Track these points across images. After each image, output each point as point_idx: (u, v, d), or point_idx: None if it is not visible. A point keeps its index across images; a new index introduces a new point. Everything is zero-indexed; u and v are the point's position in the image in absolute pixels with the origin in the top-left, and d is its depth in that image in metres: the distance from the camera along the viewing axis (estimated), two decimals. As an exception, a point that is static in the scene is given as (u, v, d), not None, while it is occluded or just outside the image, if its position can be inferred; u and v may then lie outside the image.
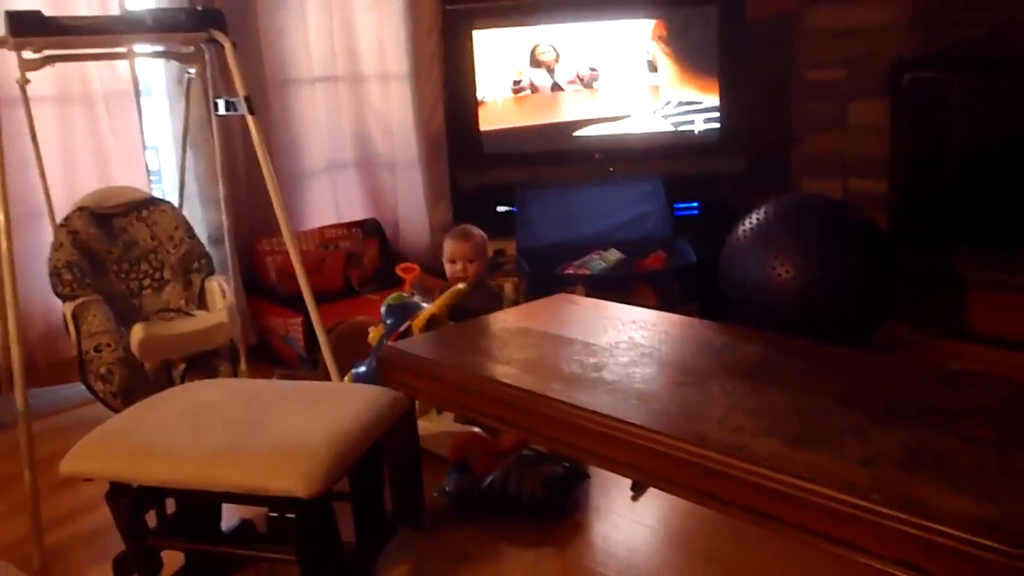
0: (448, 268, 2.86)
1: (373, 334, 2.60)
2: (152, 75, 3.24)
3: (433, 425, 2.45)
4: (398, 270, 3.11)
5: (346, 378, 2.60)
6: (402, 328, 2.48)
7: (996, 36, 3.23)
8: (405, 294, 2.69)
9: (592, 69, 3.83)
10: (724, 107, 3.87)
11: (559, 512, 2.14)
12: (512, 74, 3.82)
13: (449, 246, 2.88)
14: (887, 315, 3.17)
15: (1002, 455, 1.33)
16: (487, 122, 3.86)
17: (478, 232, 2.91)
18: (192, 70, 2.78)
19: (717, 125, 3.88)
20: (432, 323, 2.46)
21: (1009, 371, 2.64)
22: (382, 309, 2.60)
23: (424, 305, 2.54)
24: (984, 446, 1.36)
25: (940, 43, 3.39)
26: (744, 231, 3.16)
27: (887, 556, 1.20)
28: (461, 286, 2.61)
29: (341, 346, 2.80)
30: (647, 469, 1.50)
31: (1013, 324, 3.26)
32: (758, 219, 3.15)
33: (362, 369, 2.56)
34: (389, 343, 2.39)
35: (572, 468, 2.26)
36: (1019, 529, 1.11)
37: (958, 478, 1.26)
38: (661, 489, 1.51)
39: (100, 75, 3.04)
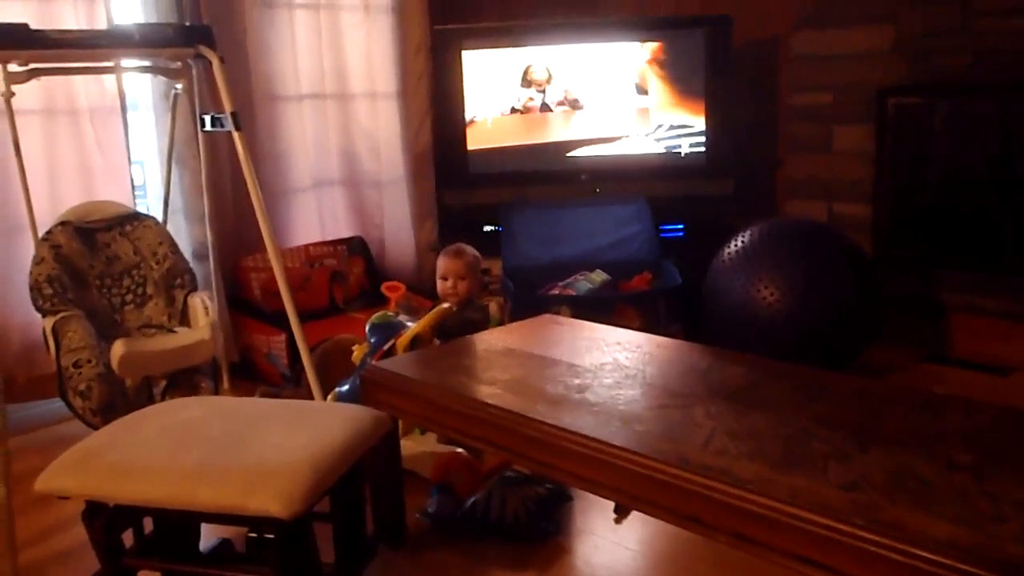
0: (439, 285, 2.85)
1: (357, 352, 2.58)
2: (139, 90, 3.23)
3: (416, 445, 2.43)
4: (383, 288, 3.10)
5: (329, 396, 2.58)
6: (386, 347, 2.47)
7: (981, 63, 3.27)
8: (390, 313, 2.68)
9: (570, 99, 3.85)
10: (710, 130, 3.89)
11: (541, 534, 2.13)
12: (512, 95, 3.84)
13: (442, 263, 2.88)
14: (870, 339, 3.18)
15: (983, 480, 1.33)
16: (474, 142, 3.88)
17: (471, 251, 2.90)
18: (179, 85, 2.78)
19: (703, 148, 3.90)
20: (417, 342, 2.45)
21: (990, 395, 2.65)
22: (367, 327, 2.59)
23: (409, 324, 2.53)
24: (966, 471, 1.36)
25: (926, 69, 3.43)
26: (729, 254, 3.17)
27: (869, 581, 1.19)
28: (446, 305, 2.60)
29: (325, 364, 2.79)
30: (630, 492, 1.49)
31: (994, 348, 3.28)
32: (743, 242, 3.17)
33: (345, 388, 2.55)
34: (373, 362, 2.38)
35: (555, 490, 2.25)
36: (998, 554, 1.11)
37: (940, 503, 1.26)
38: (644, 512, 1.50)
39: (86, 89, 3.04)
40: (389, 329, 2.54)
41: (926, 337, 3.48)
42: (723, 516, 1.35)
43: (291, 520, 1.55)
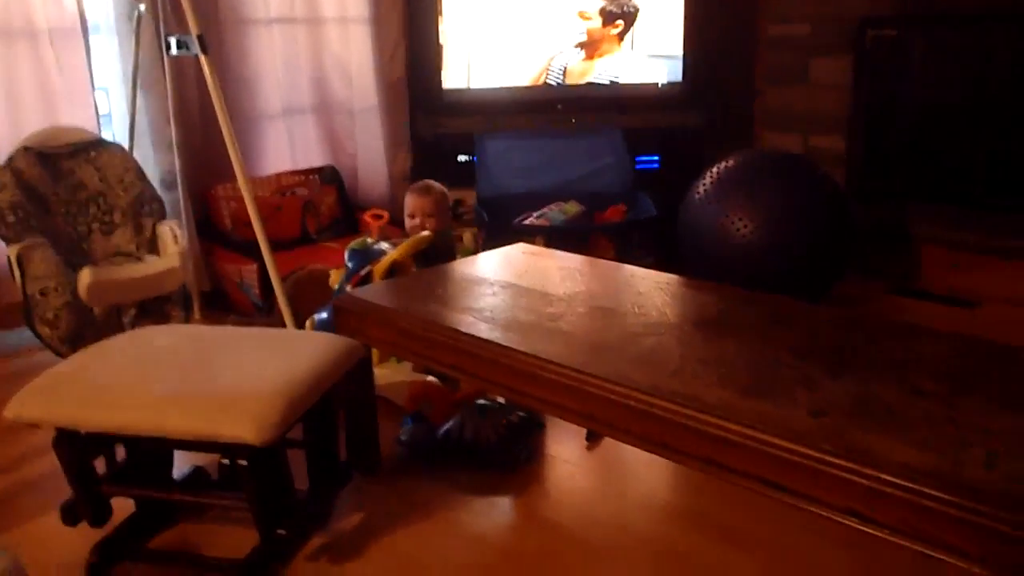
0: (407, 222, 2.83)
1: (334, 277, 2.58)
2: (100, 11, 3.12)
3: (391, 373, 2.44)
4: (367, 216, 3.07)
5: (307, 323, 2.57)
6: (363, 272, 2.46)
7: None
8: (370, 239, 2.66)
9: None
10: (688, 61, 3.85)
11: (514, 461, 2.15)
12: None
13: (409, 200, 2.85)
14: (842, 270, 3.21)
15: (949, 407, 1.35)
16: (448, 69, 3.81)
17: (438, 187, 2.87)
18: (142, 6, 2.69)
19: (680, 78, 3.86)
20: (395, 269, 2.44)
21: (959, 327, 2.69)
22: (345, 253, 2.58)
23: (388, 250, 2.52)
24: (932, 398, 1.39)
25: (906, 1, 3.39)
26: (704, 185, 3.16)
27: (834, 504, 1.21)
28: (426, 233, 2.59)
29: (298, 293, 2.77)
30: (601, 419, 1.50)
31: (964, 281, 3.32)
32: (717, 173, 3.15)
33: (324, 315, 2.54)
34: (349, 288, 2.37)
35: (528, 417, 2.27)
36: (963, 479, 1.13)
37: (906, 429, 1.28)
38: (615, 438, 1.52)
39: (44, 9, 2.92)
40: (367, 255, 2.53)
41: (897, 270, 3.52)
42: (692, 442, 1.37)
43: (263, 446, 1.55)
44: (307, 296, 2.75)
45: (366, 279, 2.45)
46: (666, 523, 1.92)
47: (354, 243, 2.60)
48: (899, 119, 3.50)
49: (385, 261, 2.45)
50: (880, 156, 3.58)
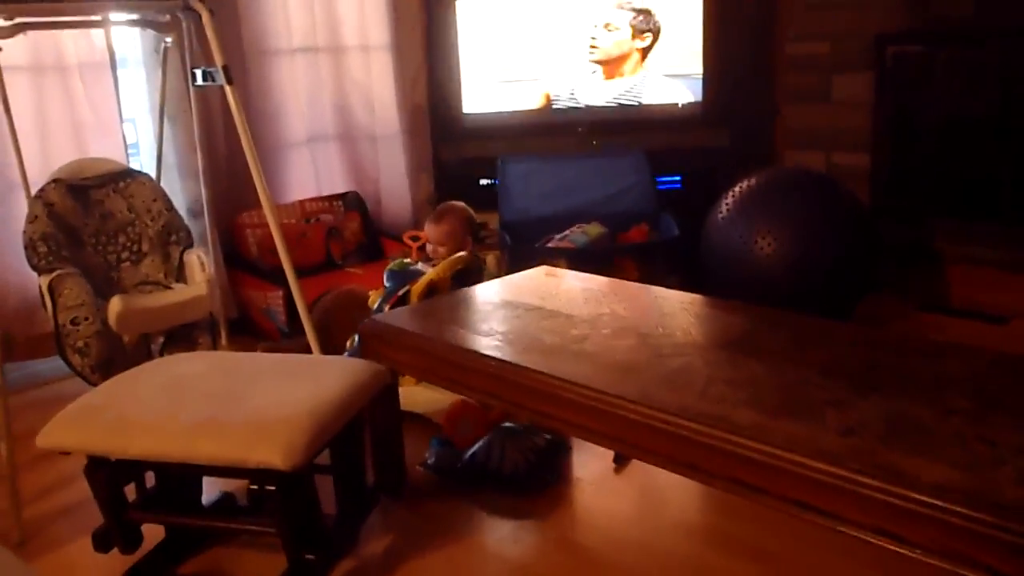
0: (428, 248, 2.86)
1: (372, 297, 2.61)
2: (128, 45, 3.19)
3: (422, 388, 2.44)
4: (405, 238, 3.11)
5: (348, 343, 2.59)
6: (400, 292, 2.48)
7: (981, 9, 3.23)
8: (408, 260, 2.69)
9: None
10: (708, 80, 3.85)
11: (541, 484, 2.14)
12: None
13: (426, 228, 2.88)
14: (868, 288, 3.18)
15: (980, 425, 1.34)
16: (470, 95, 3.84)
17: (455, 211, 2.87)
18: (169, 39, 2.73)
19: (701, 99, 3.86)
20: (432, 289, 2.45)
21: (988, 343, 2.66)
22: (384, 273, 2.61)
23: (425, 271, 2.54)
24: (962, 416, 1.37)
25: (924, 16, 3.38)
26: (727, 204, 3.16)
27: (866, 525, 1.20)
28: (463, 253, 2.61)
29: (331, 314, 2.80)
30: (629, 440, 1.50)
31: (992, 297, 3.28)
32: (740, 192, 3.15)
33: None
34: (388, 307, 2.40)
35: (554, 440, 2.27)
36: (995, 498, 1.12)
37: (936, 448, 1.27)
38: (643, 460, 1.52)
39: (75, 44, 2.99)
40: (405, 275, 2.56)
41: (924, 287, 3.49)
42: (721, 463, 1.36)
43: (292, 472, 1.56)
44: (340, 317, 2.77)
45: (404, 299, 2.47)
46: (695, 545, 1.90)
47: (393, 264, 2.63)
48: (922, 135, 3.48)
49: (423, 281, 2.47)
50: (904, 173, 3.56)
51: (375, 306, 2.58)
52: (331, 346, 2.63)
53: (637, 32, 3.85)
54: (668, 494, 2.11)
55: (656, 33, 3.85)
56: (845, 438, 1.30)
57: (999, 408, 1.40)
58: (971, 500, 1.12)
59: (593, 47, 3.90)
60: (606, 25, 3.86)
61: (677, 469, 1.44)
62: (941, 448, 1.26)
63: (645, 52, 3.88)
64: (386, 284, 2.59)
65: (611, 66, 3.90)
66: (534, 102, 3.90)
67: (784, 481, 1.28)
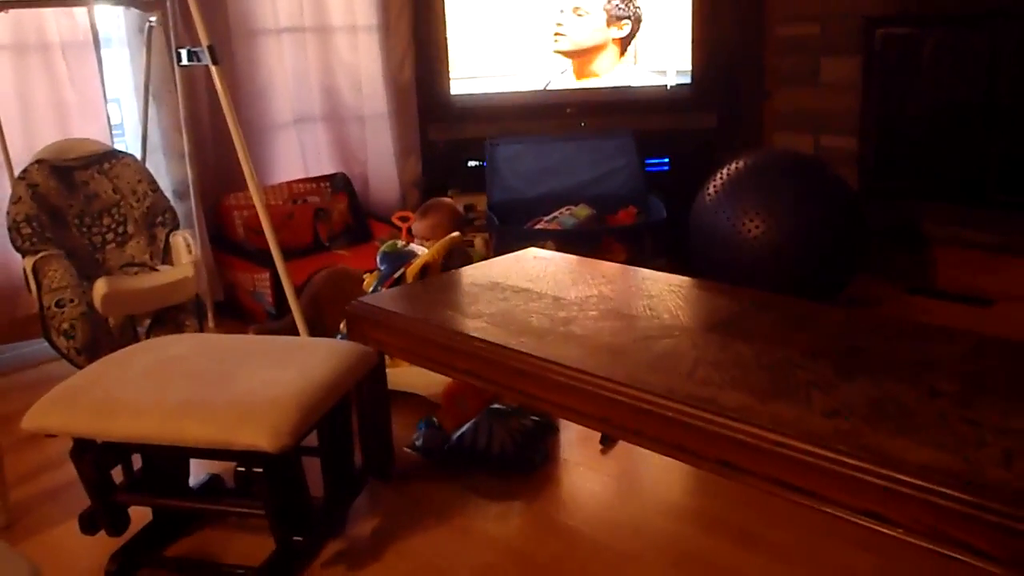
0: (415, 242, 2.88)
1: (368, 280, 2.60)
2: (112, 24, 3.15)
3: (418, 368, 2.43)
4: (394, 219, 3.09)
5: (342, 325, 2.59)
6: (396, 275, 2.48)
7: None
8: (400, 242, 2.68)
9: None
10: (696, 62, 3.84)
11: (528, 465, 2.15)
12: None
13: (413, 224, 2.90)
14: (855, 271, 3.20)
15: (964, 407, 1.35)
16: (457, 75, 3.82)
17: (441, 207, 2.90)
18: (153, 18, 2.71)
19: (689, 80, 3.86)
20: (426, 271, 2.45)
21: (974, 326, 2.68)
22: (377, 256, 2.61)
23: (419, 252, 2.54)
24: (947, 398, 1.38)
25: (913, -1, 3.38)
26: (715, 187, 3.16)
27: (851, 506, 1.21)
28: (456, 234, 2.61)
29: (322, 293, 2.79)
30: (616, 422, 1.51)
31: (977, 279, 3.30)
32: (728, 175, 3.15)
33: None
34: (383, 289, 2.39)
35: (541, 422, 2.27)
36: (980, 478, 1.13)
37: (921, 429, 1.27)
38: (630, 442, 1.52)
39: (58, 23, 2.95)
40: (399, 258, 2.55)
41: (910, 269, 3.50)
42: (708, 444, 1.37)
43: (279, 453, 1.56)
44: (332, 295, 2.76)
45: (399, 281, 2.47)
46: (682, 526, 1.91)
47: (385, 246, 2.62)
48: (911, 118, 3.49)
49: (417, 263, 2.47)
50: (892, 155, 3.56)
51: (371, 289, 2.57)
52: (322, 324, 2.63)
53: (613, 19, 3.63)
54: (655, 475, 2.12)
55: (637, 21, 3.62)
56: (831, 419, 1.31)
57: (984, 390, 1.41)
58: (955, 480, 1.12)
59: (559, 35, 3.72)
60: (575, 9, 3.64)
61: (664, 450, 1.44)
62: (926, 429, 1.27)
63: (624, 43, 3.78)
64: (380, 267, 2.58)
65: (583, 59, 3.83)
66: (522, 83, 3.88)
67: (770, 462, 1.29)
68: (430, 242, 2.78)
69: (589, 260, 2.31)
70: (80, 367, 2.15)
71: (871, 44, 3.51)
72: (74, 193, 2.55)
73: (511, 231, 3.35)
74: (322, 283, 2.88)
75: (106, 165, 2.63)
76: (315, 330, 2.58)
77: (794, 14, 3.77)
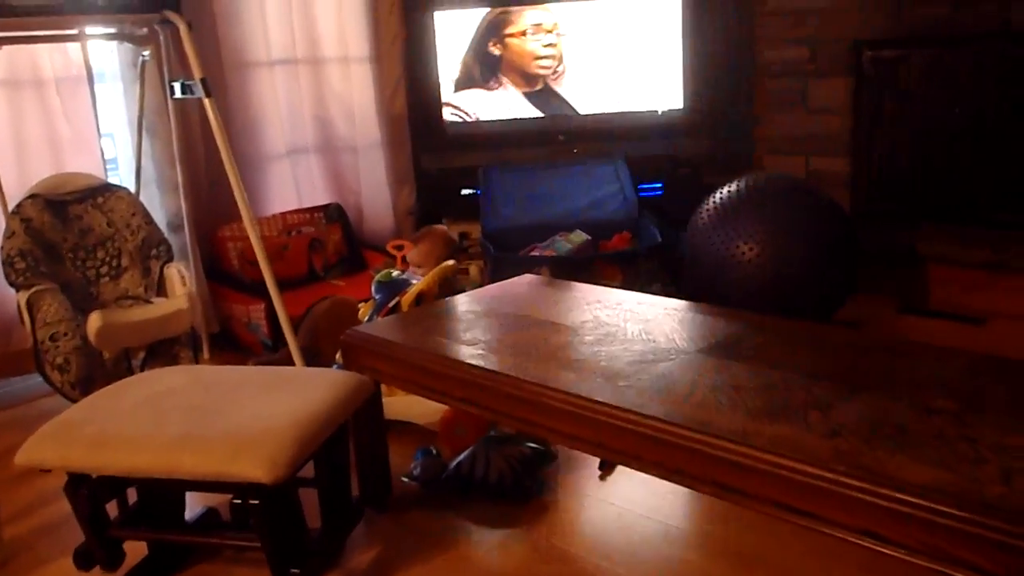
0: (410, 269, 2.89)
1: (363, 310, 2.60)
2: (105, 59, 3.17)
3: (415, 397, 2.42)
4: (389, 247, 3.09)
5: (338, 355, 2.58)
6: (391, 304, 2.48)
7: (959, 12, 3.26)
8: (395, 271, 2.68)
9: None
10: (687, 88, 3.87)
11: (527, 493, 2.14)
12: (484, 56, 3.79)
13: (408, 253, 2.92)
14: (849, 292, 3.20)
15: (962, 425, 1.34)
16: (450, 105, 3.84)
17: (431, 235, 2.92)
18: (146, 52, 2.73)
19: (680, 106, 3.88)
20: (421, 299, 2.45)
21: (968, 345, 2.68)
22: (372, 285, 2.60)
23: (414, 281, 2.54)
24: (945, 416, 1.38)
25: (902, 20, 3.41)
26: (707, 211, 3.17)
27: (851, 526, 1.21)
28: (451, 262, 2.61)
29: (322, 324, 2.78)
30: (614, 447, 1.50)
31: (970, 298, 3.31)
32: (721, 199, 3.16)
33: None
34: (379, 319, 2.39)
35: (539, 449, 2.26)
36: (978, 496, 1.12)
37: (920, 448, 1.27)
38: (628, 467, 1.51)
39: (51, 59, 2.97)
40: (394, 286, 2.54)
41: (903, 289, 3.51)
42: (706, 467, 1.36)
43: (275, 485, 1.55)
44: (329, 326, 2.76)
45: (395, 310, 2.47)
46: (682, 551, 1.90)
47: (379, 275, 2.62)
48: (901, 139, 3.51)
49: (412, 292, 2.46)
50: (884, 176, 3.58)
51: (366, 318, 2.57)
52: (321, 355, 2.62)
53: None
54: (655, 501, 2.11)
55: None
56: (829, 440, 1.31)
57: (980, 408, 1.41)
58: (955, 499, 1.12)
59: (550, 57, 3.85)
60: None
61: (662, 474, 1.44)
62: (924, 448, 1.27)
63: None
64: (375, 296, 2.58)
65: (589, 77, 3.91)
66: (514, 111, 3.90)
67: (769, 484, 1.29)
68: (423, 270, 2.79)
69: (584, 285, 2.31)
70: (74, 401, 2.14)
71: (860, 67, 3.55)
72: (68, 227, 2.56)
73: (506, 258, 3.35)
74: (321, 314, 2.88)
75: (100, 199, 2.63)
76: (314, 361, 2.57)
77: (782, 38, 3.80)
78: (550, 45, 3.81)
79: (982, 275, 3.32)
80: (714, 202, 3.17)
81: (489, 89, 3.85)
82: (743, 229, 3.03)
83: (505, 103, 3.90)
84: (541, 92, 3.89)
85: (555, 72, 3.85)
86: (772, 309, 2.20)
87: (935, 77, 3.37)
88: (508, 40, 3.81)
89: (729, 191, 3.17)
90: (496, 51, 3.81)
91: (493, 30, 3.78)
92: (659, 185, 3.96)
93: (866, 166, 3.62)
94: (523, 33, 3.80)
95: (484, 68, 3.84)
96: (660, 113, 3.91)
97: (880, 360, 1.66)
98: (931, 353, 1.69)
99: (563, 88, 3.89)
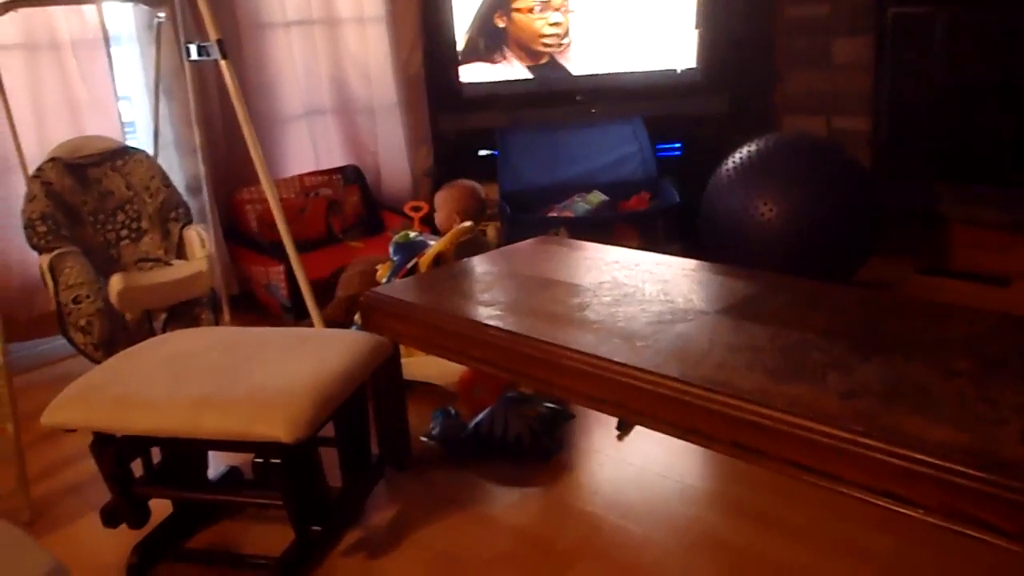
0: (436, 217, 2.90)
1: (382, 271, 2.60)
2: (121, 22, 3.16)
3: (433, 357, 2.44)
4: (407, 208, 3.09)
5: (356, 316, 2.59)
6: (409, 265, 2.48)
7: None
8: (412, 232, 2.68)
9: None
10: (706, 46, 3.82)
11: (545, 453, 2.15)
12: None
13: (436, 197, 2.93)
14: (869, 252, 3.18)
15: (982, 386, 1.34)
16: (467, 64, 3.81)
17: (461, 185, 2.92)
18: (162, 14, 2.72)
19: (699, 64, 3.83)
20: (439, 260, 2.45)
21: (991, 305, 2.66)
22: (390, 247, 2.61)
23: (431, 242, 2.54)
24: (963, 377, 1.37)
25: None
26: (727, 171, 3.15)
27: (868, 486, 1.21)
28: (468, 223, 2.61)
29: (350, 289, 2.79)
30: (632, 407, 1.50)
31: (993, 259, 3.28)
32: (741, 158, 3.13)
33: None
34: (397, 280, 2.39)
35: (557, 409, 2.27)
36: (997, 456, 1.12)
37: (938, 408, 1.27)
38: (646, 426, 1.52)
39: (67, 22, 2.96)
40: (412, 248, 2.55)
41: (926, 249, 3.48)
42: (723, 427, 1.36)
43: (296, 444, 1.57)
44: (360, 291, 2.77)
45: (412, 271, 2.47)
46: (699, 510, 1.91)
47: (397, 236, 2.62)
48: (924, 98, 3.46)
49: (430, 253, 2.47)
50: (906, 136, 3.53)
51: (384, 279, 2.58)
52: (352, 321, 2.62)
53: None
54: (672, 460, 2.12)
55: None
56: (847, 400, 1.31)
57: (1000, 369, 1.40)
58: (973, 459, 1.12)
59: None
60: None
61: (680, 434, 1.44)
62: (943, 409, 1.27)
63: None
64: (393, 257, 2.59)
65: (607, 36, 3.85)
66: (533, 71, 3.86)
67: (786, 444, 1.29)
68: (442, 213, 2.78)
69: (602, 246, 2.31)
70: (98, 362, 2.17)
71: (883, 23, 3.48)
72: (88, 190, 2.57)
73: (524, 219, 3.35)
74: (358, 284, 2.86)
75: (119, 162, 2.64)
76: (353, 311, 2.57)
77: (804, -6, 3.74)
78: (556, 23, 3.75)
79: (1005, 236, 3.28)
80: (733, 162, 3.15)
81: (493, 63, 3.80)
82: (763, 189, 3.01)
83: (523, 63, 3.85)
84: (546, 66, 3.82)
85: (560, 46, 3.79)
86: (791, 269, 2.19)
87: (959, 34, 3.30)
88: (515, 15, 3.74)
89: (749, 151, 3.14)
90: (501, 24, 3.75)
91: (501, 2, 3.72)
92: (678, 145, 3.92)
93: (888, 125, 3.57)
94: (530, 10, 3.73)
95: (489, 40, 3.78)
96: (679, 72, 3.86)
97: (900, 321, 1.65)
98: (951, 314, 1.68)
99: (569, 61, 3.81)
